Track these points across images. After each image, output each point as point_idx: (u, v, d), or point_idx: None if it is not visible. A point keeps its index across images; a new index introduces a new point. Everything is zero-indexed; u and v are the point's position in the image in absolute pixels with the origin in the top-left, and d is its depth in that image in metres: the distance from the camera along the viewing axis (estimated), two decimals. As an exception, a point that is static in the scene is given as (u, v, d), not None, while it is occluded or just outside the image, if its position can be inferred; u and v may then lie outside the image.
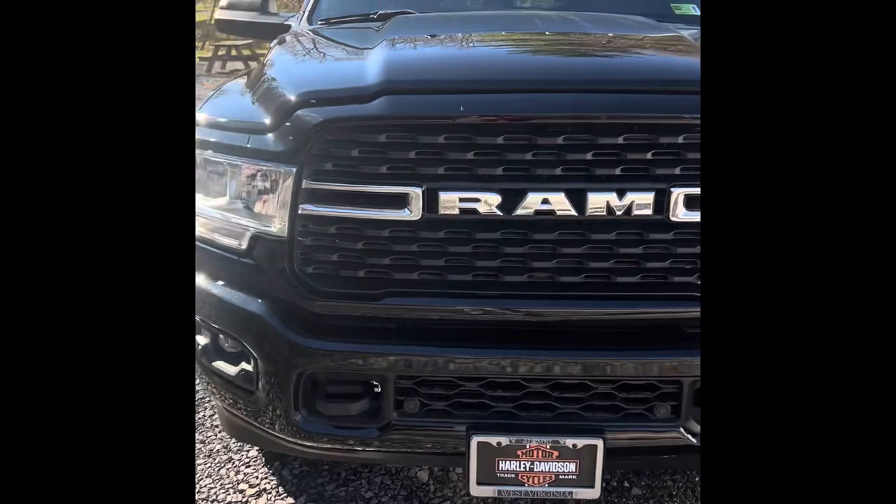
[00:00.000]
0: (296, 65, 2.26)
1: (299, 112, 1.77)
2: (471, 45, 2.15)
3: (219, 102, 2.13)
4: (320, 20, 3.02)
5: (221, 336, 2.05)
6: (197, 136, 2.00)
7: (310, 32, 2.77)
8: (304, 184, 1.77)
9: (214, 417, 3.06)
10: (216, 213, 1.97)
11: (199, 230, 2.05)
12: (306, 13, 3.11)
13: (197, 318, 2.08)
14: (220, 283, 2.00)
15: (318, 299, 1.84)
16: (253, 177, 1.86)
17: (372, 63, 1.90)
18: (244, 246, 1.91)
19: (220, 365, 2.04)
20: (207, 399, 3.20)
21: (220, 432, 2.97)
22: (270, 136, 1.81)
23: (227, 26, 3.40)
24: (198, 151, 2.00)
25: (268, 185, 1.83)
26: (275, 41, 2.66)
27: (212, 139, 1.96)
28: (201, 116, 2.03)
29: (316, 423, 1.91)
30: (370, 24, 2.89)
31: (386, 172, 1.73)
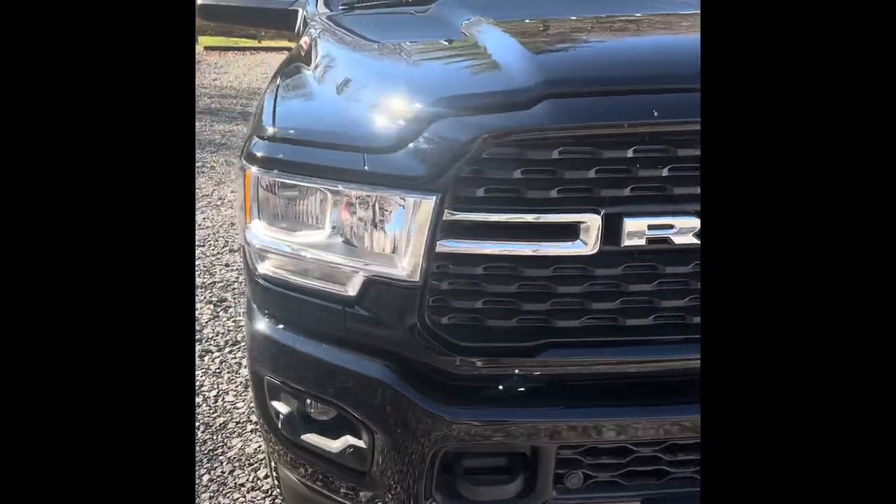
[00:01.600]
0: (389, 62, 1.84)
1: (439, 124, 1.38)
2: (604, 30, 1.79)
3: (291, 111, 1.69)
4: (341, 5, 2.59)
5: (309, 401, 1.64)
6: (261, 153, 1.57)
7: (350, 20, 2.35)
8: (446, 214, 1.38)
9: (236, 474, 2.61)
10: (304, 252, 1.55)
11: (269, 269, 1.63)
12: (319, -3, 2.67)
13: (273, 380, 1.66)
14: (313, 338, 1.59)
15: (456, 356, 1.46)
16: (367, 207, 1.45)
17: (507, 57, 1.52)
18: (353, 293, 1.51)
19: (314, 439, 1.62)
20: (220, 451, 2.75)
21: (247, 493, 2.53)
22: (397, 155, 1.41)
23: (213, 13, 2.90)
24: (254, 169, 1.58)
25: (391, 216, 1.43)
26: (314, 31, 2.22)
27: (295, 159, 1.53)
28: (270, 130, 1.60)
29: (454, 508, 1.53)
30: (404, 8, 2.50)
31: (555, 197, 1.37)
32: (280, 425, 1.68)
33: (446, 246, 1.40)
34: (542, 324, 1.45)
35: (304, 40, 2.22)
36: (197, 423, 2.90)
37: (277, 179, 1.56)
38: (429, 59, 1.82)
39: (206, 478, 2.60)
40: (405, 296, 1.45)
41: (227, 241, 4.91)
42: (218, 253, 4.70)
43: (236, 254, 4.69)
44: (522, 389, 1.48)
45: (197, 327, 3.68)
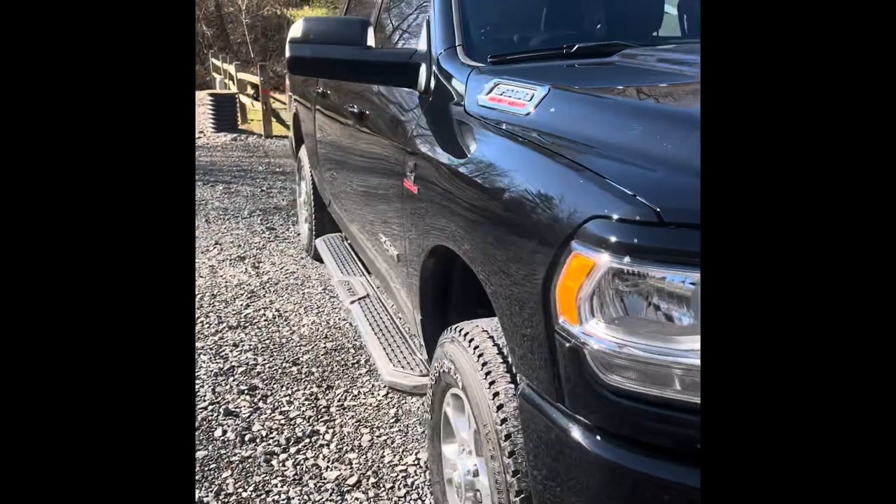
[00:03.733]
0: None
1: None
2: None
3: (650, 186, 1.36)
4: (490, 57, 2.28)
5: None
6: (619, 238, 1.26)
7: (553, 74, 2.05)
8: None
9: None
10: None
11: (624, 382, 1.30)
12: (457, 48, 2.34)
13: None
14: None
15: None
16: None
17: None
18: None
19: None
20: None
21: None
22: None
23: (308, 66, 2.50)
24: (605, 257, 1.27)
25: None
26: (518, 89, 1.87)
27: (688, 247, 1.23)
28: (628, 208, 1.29)
29: None
30: (579, 60, 2.24)
31: None
32: None
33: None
34: None
35: (508, 98, 1.89)
36: (308, 549, 2.43)
37: (651, 271, 1.25)
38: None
39: None
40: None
41: (220, 317, 4.37)
42: (217, 332, 4.16)
43: (237, 330, 4.17)
44: None
45: (243, 424, 3.17)
